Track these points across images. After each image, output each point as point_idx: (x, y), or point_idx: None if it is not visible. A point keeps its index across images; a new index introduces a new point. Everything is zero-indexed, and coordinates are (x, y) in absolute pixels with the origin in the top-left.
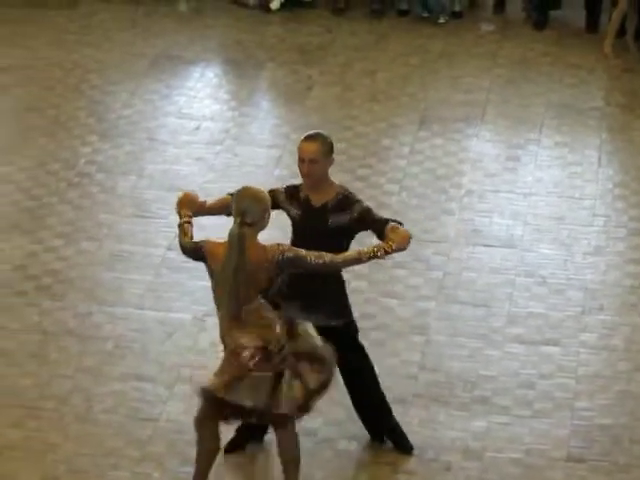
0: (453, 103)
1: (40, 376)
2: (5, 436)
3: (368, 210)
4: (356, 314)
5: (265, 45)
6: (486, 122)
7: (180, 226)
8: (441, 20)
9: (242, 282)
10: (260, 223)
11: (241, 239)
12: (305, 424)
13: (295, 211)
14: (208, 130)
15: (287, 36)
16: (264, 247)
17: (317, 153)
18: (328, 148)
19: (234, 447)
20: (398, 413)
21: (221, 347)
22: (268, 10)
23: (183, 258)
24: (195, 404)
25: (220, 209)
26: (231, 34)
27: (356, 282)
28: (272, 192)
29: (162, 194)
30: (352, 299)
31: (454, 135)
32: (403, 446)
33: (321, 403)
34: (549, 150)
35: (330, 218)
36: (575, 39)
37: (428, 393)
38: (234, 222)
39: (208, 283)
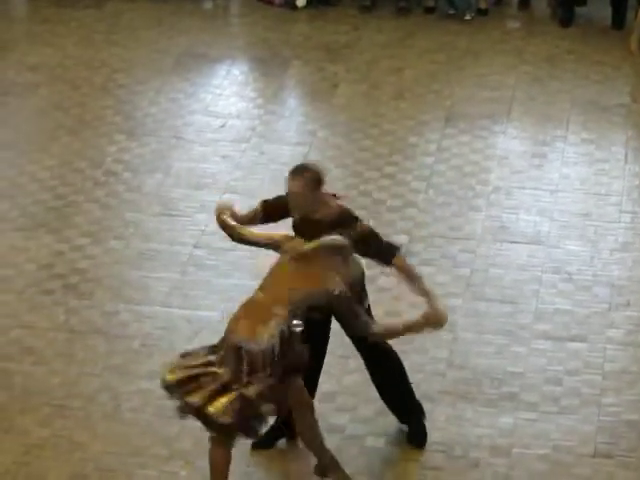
0: (479, 100)
1: (67, 375)
2: (33, 434)
3: (369, 233)
4: (383, 311)
5: (291, 43)
6: (512, 119)
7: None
8: (467, 17)
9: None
10: None
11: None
12: (332, 421)
13: (296, 217)
14: (234, 128)
15: (313, 34)
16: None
17: (301, 190)
18: (312, 184)
19: (265, 443)
20: (425, 410)
21: None
22: (294, 8)
23: (210, 256)
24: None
25: (250, 220)
26: (257, 32)
27: (384, 279)
28: (277, 200)
29: (188, 192)
30: (379, 297)
31: (480, 132)
32: (417, 438)
33: (349, 400)
34: (575, 147)
35: (324, 234)
36: (601, 36)
37: (455, 390)
38: None
39: (235, 280)
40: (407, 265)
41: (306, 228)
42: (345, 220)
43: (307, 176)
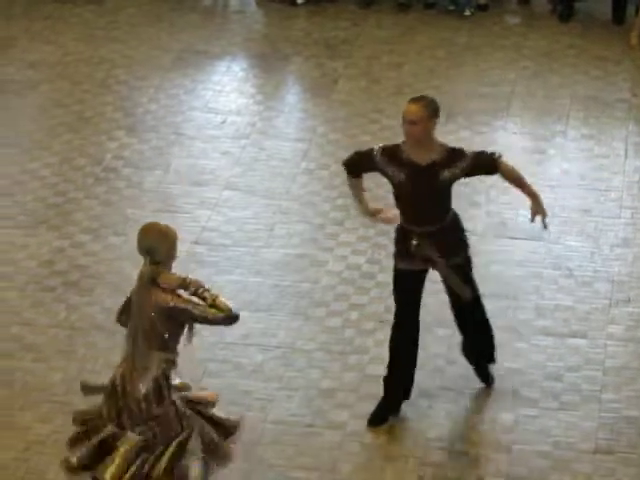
0: (479, 96)
1: (68, 371)
2: (34, 431)
3: (478, 154)
4: (382, 307)
5: (291, 39)
6: (512, 115)
7: None
8: (467, 13)
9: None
10: (169, 260)
11: (152, 278)
12: (333, 417)
13: (397, 172)
14: (234, 124)
15: (313, 29)
16: (163, 290)
17: (417, 115)
18: (429, 112)
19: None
20: (425, 406)
21: (249, 341)
22: (294, 4)
23: (210, 253)
24: (222, 398)
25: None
26: (257, 28)
27: (383, 275)
28: (366, 154)
29: (188, 189)
30: (379, 292)
31: (480, 128)
32: (485, 373)
33: (349, 396)
34: (575, 142)
35: (440, 174)
36: (601, 31)
37: (455, 386)
38: (144, 262)
39: (235, 277)
40: (510, 168)
41: (419, 177)
42: (457, 156)
43: (424, 103)
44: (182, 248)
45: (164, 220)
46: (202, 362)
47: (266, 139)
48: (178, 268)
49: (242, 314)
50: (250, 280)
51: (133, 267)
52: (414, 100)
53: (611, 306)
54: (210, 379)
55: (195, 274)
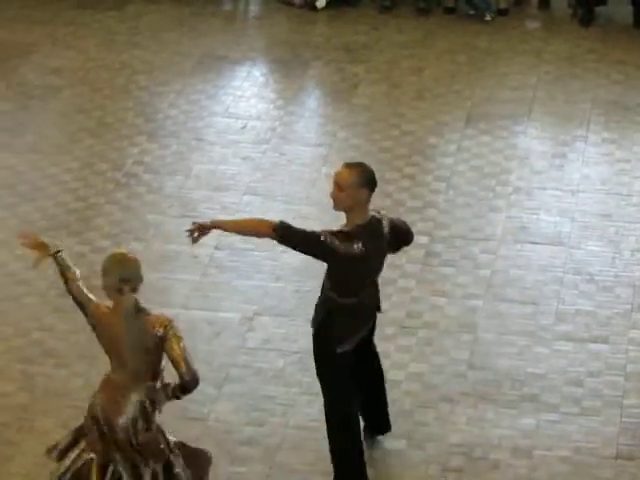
0: (500, 100)
1: (89, 377)
2: (55, 436)
3: (336, 257)
4: (404, 313)
5: (311, 44)
6: (533, 119)
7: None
8: (487, 17)
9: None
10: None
11: (138, 308)
12: None
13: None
14: (255, 129)
15: (333, 34)
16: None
17: (346, 181)
18: (361, 180)
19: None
20: (446, 411)
21: (270, 346)
22: (314, 9)
23: (231, 258)
24: (244, 403)
25: None
26: (277, 33)
27: (404, 280)
28: None
29: (209, 194)
30: (400, 298)
31: (501, 132)
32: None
33: None
34: (596, 147)
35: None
36: (622, 35)
37: (476, 391)
38: (118, 291)
39: (255, 282)
40: None
41: None
42: (347, 238)
43: (358, 171)
44: (203, 253)
45: (185, 226)
46: (223, 367)
47: (286, 144)
48: (200, 272)
49: (263, 319)
50: (271, 285)
51: (154, 273)
52: (348, 165)
53: (633, 311)
54: (231, 384)
55: (215, 279)
